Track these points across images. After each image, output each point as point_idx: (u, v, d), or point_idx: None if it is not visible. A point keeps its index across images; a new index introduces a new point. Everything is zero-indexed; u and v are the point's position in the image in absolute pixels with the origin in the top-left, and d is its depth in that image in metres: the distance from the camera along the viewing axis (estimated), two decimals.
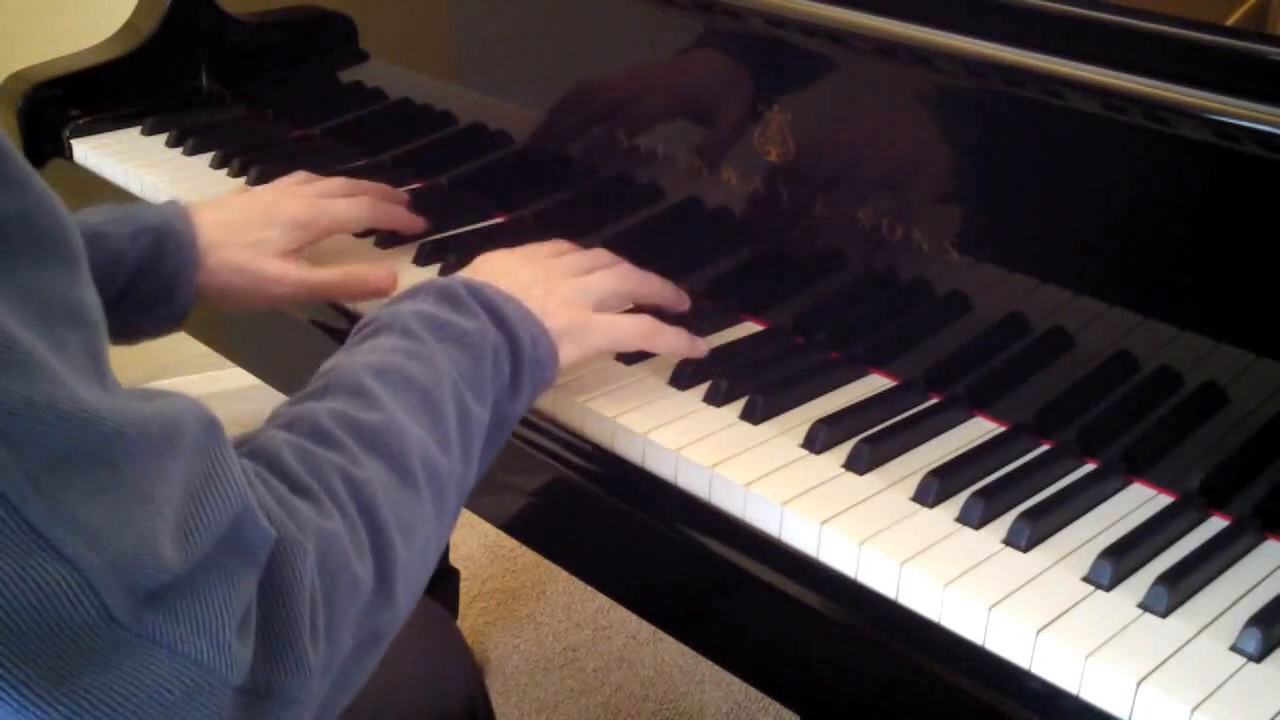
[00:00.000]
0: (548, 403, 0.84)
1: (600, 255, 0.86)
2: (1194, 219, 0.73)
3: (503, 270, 0.80)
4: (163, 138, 1.25)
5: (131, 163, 1.20)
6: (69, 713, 0.45)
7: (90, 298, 0.48)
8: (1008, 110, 0.77)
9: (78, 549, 0.43)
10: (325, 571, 0.55)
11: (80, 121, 1.26)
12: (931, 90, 0.80)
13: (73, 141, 1.24)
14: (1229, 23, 0.76)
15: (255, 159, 1.18)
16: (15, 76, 1.26)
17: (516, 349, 0.74)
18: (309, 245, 0.94)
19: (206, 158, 1.21)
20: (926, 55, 0.79)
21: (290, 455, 0.59)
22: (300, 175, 1.01)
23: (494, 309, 0.74)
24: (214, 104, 1.34)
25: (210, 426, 0.51)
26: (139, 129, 1.27)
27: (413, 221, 1.03)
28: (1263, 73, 0.68)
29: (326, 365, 0.69)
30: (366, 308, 0.94)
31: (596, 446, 0.82)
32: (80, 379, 0.45)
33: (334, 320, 0.98)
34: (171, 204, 0.90)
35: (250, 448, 0.60)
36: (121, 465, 0.45)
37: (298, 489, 0.58)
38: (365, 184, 1.02)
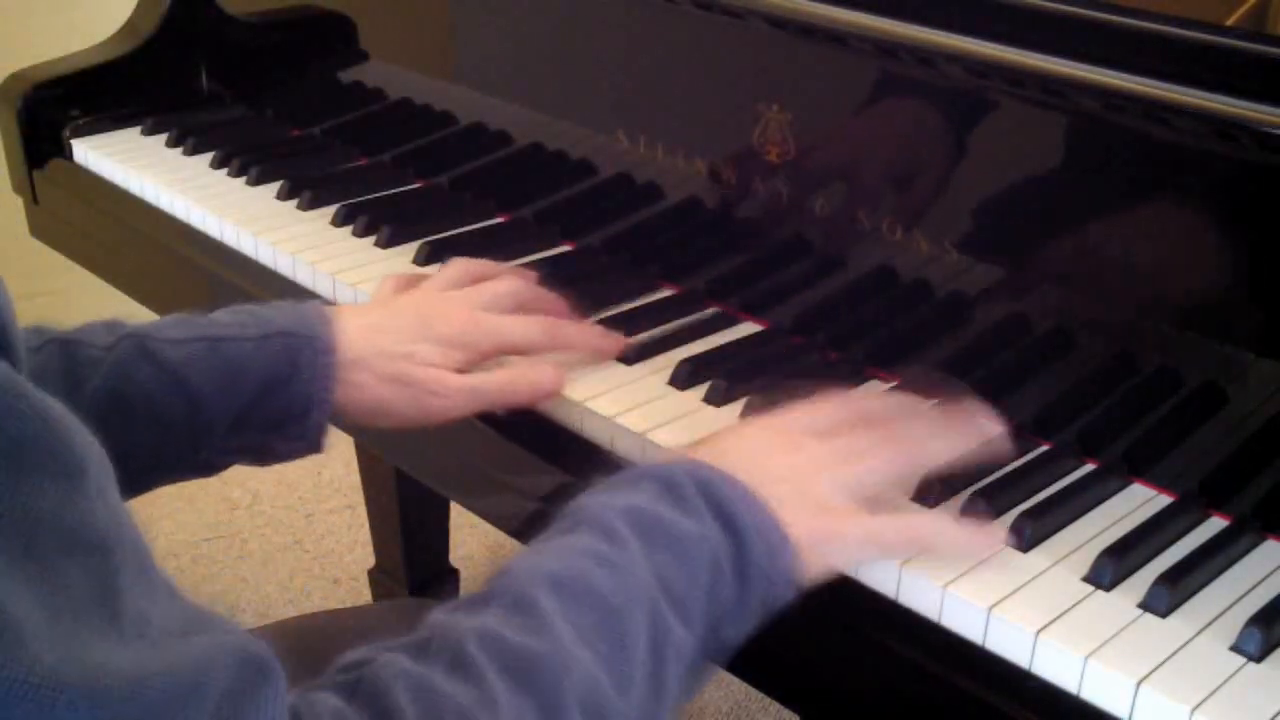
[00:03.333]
0: (548, 403, 0.84)
1: (874, 430, 0.71)
2: (1194, 219, 0.73)
3: (750, 453, 0.67)
4: (163, 138, 1.25)
5: (131, 163, 1.20)
6: None
7: (100, 516, 0.41)
8: (1008, 110, 0.77)
9: None
10: None
11: (80, 121, 1.26)
12: (931, 90, 0.80)
13: (73, 141, 1.25)
14: (1229, 23, 0.76)
15: (255, 159, 1.18)
16: (15, 76, 1.26)
17: (746, 562, 0.61)
18: (467, 365, 0.81)
19: (206, 158, 1.21)
20: (926, 55, 0.79)
21: (402, 692, 0.50)
22: (461, 268, 0.87)
23: (725, 511, 0.62)
24: (214, 104, 1.34)
25: (254, 672, 0.44)
26: (139, 129, 1.27)
27: (611, 346, 0.87)
28: (1263, 73, 0.68)
29: (509, 562, 0.59)
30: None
31: (596, 446, 0.82)
32: (70, 623, 0.39)
33: None
34: (313, 305, 0.79)
35: (360, 673, 0.51)
36: None
37: None
38: (539, 293, 0.87)
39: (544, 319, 0.85)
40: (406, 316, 0.81)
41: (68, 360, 0.73)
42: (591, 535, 0.60)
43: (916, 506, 0.72)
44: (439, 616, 0.56)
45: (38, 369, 0.73)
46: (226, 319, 0.77)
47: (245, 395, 0.74)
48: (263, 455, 0.78)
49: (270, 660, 0.45)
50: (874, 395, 0.75)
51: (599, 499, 0.62)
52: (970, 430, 0.73)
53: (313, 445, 0.78)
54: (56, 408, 0.41)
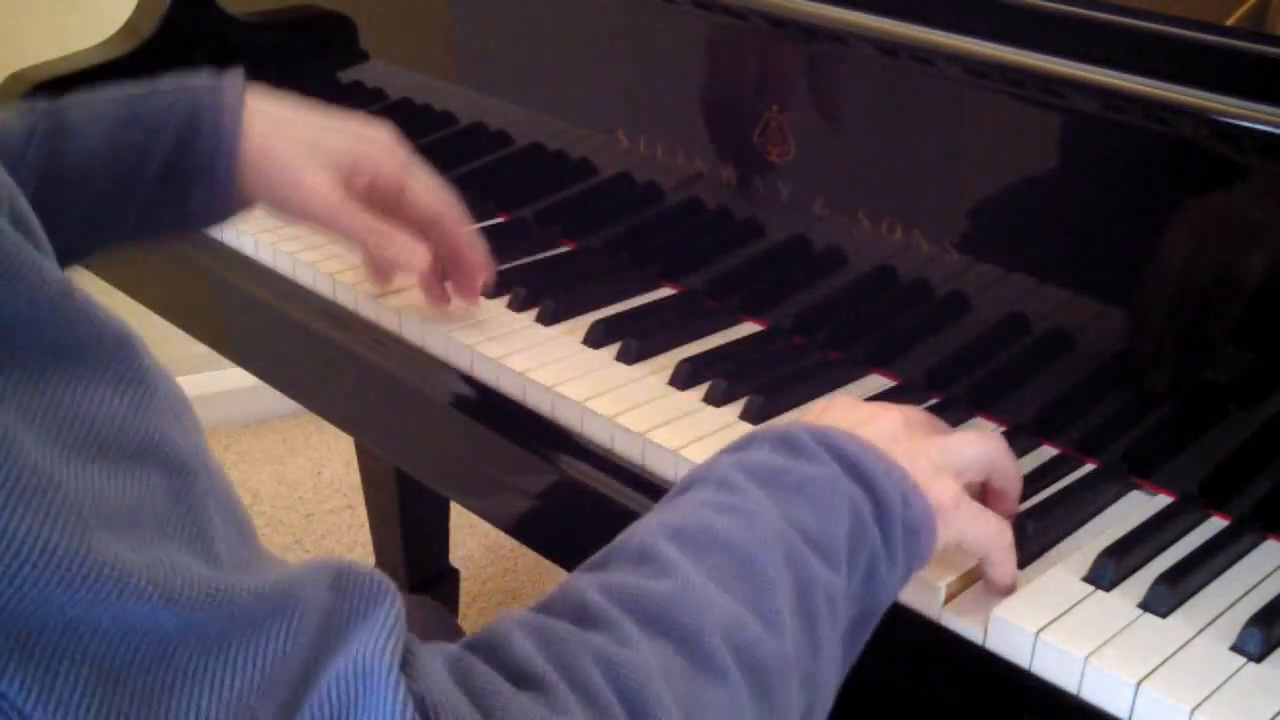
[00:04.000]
0: (547, 404, 0.84)
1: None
2: (1194, 219, 0.73)
3: (856, 417, 0.64)
4: None
5: None
6: None
7: (186, 435, 0.39)
8: (1008, 110, 0.77)
9: None
10: None
11: None
12: (931, 90, 0.80)
13: None
14: (1229, 23, 0.76)
15: None
16: (15, 76, 1.26)
17: (883, 507, 0.58)
18: (351, 176, 0.84)
19: None
20: (926, 55, 0.79)
21: (524, 639, 0.47)
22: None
23: (850, 460, 0.58)
24: None
25: (357, 590, 0.41)
26: None
27: (481, 260, 0.89)
28: (1263, 73, 0.68)
29: (621, 534, 0.55)
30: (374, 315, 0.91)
31: (596, 446, 0.82)
32: (157, 531, 0.37)
33: (333, 331, 0.98)
34: (208, 72, 0.82)
35: (477, 637, 0.48)
36: (179, 640, 0.36)
37: (521, 678, 0.46)
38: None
39: (450, 212, 0.87)
40: (313, 114, 0.86)
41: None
42: (707, 490, 0.57)
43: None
44: (554, 588, 0.52)
45: None
46: (137, 95, 0.80)
47: (159, 154, 0.77)
48: (182, 227, 0.82)
49: (382, 580, 0.42)
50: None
51: (710, 461, 0.60)
52: (1011, 460, 0.69)
53: (224, 208, 0.81)
54: (124, 322, 0.39)
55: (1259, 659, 0.63)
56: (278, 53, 1.31)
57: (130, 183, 0.78)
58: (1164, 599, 0.65)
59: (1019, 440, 0.79)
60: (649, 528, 0.55)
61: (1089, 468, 0.77)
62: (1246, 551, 0.71)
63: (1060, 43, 0.73)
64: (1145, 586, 0.67)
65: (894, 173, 0.84)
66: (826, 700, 0.56)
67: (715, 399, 0.83)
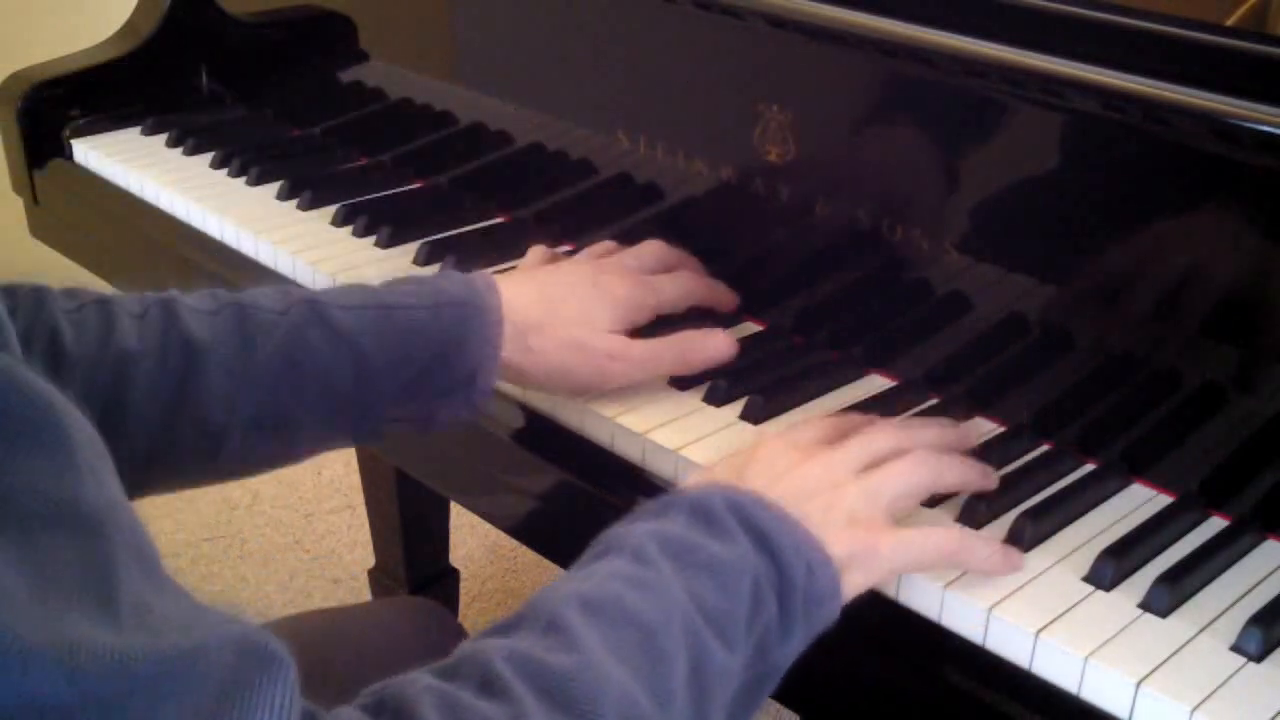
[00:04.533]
0: (546, 403, 0.84)
1: (888, 433, 0.71)
2: (1194, 219, 0.73)
3: (772, 470, 0.66)
4: (163, 138, 1.25)
5: (131, 163, 1.20)
6: None
7: (91, 496, 0.39)
8: (1008, 110, 0.77)
9: None
10: None
11: (80, 121, 1.26)
12: (931, 90, 0.80)
13: (73, 141, 1.25)
14: (1229, 23, 0.76)
15: (255, 159, 1.18)
16: (15, 76, 1.26)
17: (786, 582, 0.60)
18: (633, 327, 0.84)
19: (206, 158, 1.21)
20: (926, 55, 0.79)
21: (430, 708, 0.49)
22: (607, 245, 0.92)
23: (759, 532, 0.61)
24: (214, 104, 1.34)
25: (254, 663, 0.41)
26: (139, 129, 1.27)
27: (730, 298, 0.92)
28: (1263, 73, 0.68)
29: (537, 592, 0.58)
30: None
31: (596, 446, 0.82)
32: (60, 601, 0.37)
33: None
34: (481, 275, 0.79)
35: (383, 693, 0.50)
36: (81, 713, 0.36)
37: None
38: (677, 253, 0.91)
39: (688, 274, 0.89)
40: (579, 282, 0.83)
41: (244, 325, 0.74)
42: (621, 559, 0.59)
43: (935, 515, 0.72)
44: (465, 645, 0.54)
45: (216, 333, 0.73)
46: (398, 288, 0.78)
47: (416, 364, 0.75)
48: (425, 424, 0.78)
49: (278, 650, 0.43)
50: (872, 417, 0.74)
51: (626, 527, 0.62)
52: (958, 467, 0.71)
53: (474, 410, 0.78)
54: (42, 383, 0.39)
55: (1259, 659, 0.63)
56: (278, 53, 1.31)
57: (379, 386, 0.75)
58: (1164, 599, 0.65)
59: (1019, 440, 0.79)
60: (561, 595, 0.56)
61: (1089, 467, 0.77)
62: (1246, 551, 0.71)
63: (1060, 43, 0.73)
64: (1145, 586, 0.67)
65: (893, 173, 0.84)
66: None
67: (715, 399, 0.83)
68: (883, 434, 0.70)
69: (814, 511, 0.63)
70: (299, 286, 0.77)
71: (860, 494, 0.65)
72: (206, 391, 0.72)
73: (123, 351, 0.71)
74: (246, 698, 0.40)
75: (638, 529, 0.61)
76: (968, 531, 0.69)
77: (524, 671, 0.52)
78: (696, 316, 0.90)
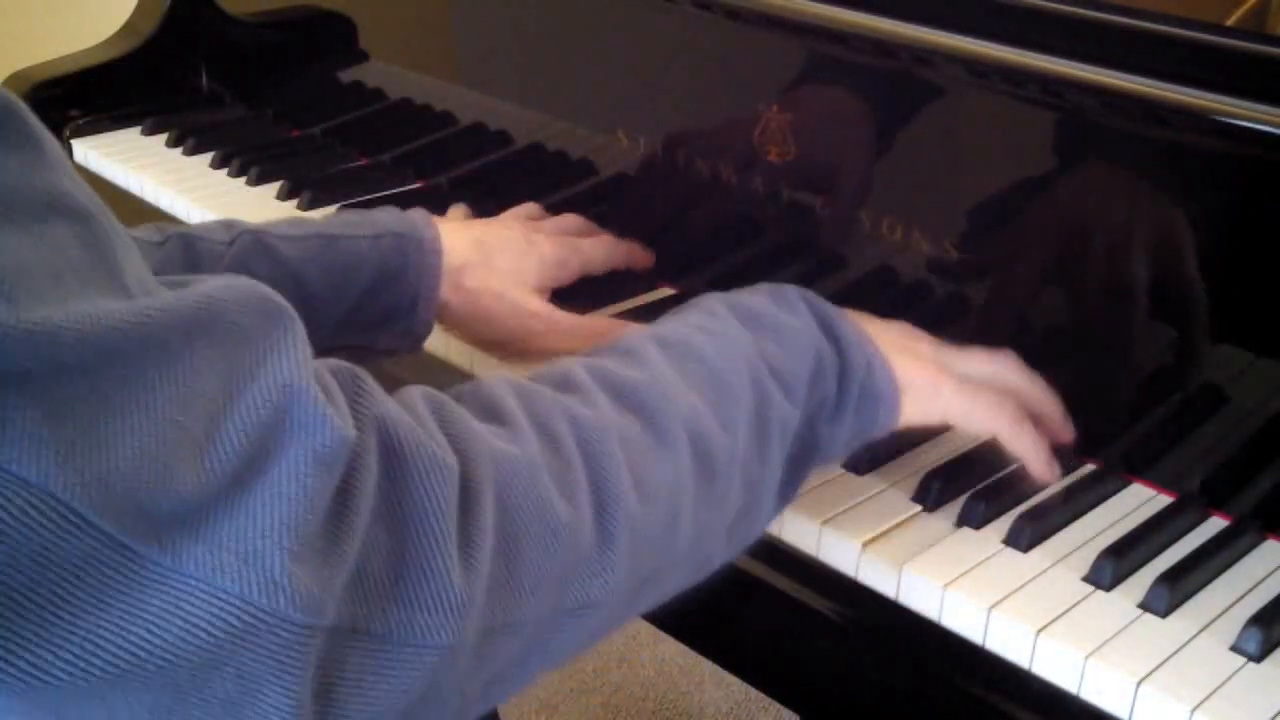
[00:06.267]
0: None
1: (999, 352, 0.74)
2: (1194, 219, 0.73)
3: (866, 319, 0.71)
4: (163, 138, 1.25)
5: (131, 163, 1.20)
6: (73, 661, 0.39)
7: (73, 184, 0.41)
8: (1008, 110, 0.77)
9: (42, 470, 0.37)
10: (506, 504, 0.48)
11: (80, 121, 1.26)
12: (931, 90, 0.80)
13: (73, 141, 1.25)
14: (1229, 23, 0.76)
15: (255, 159, 1.18)
16: (15, 76, 1.26)
17: (846, 367, 0.64)
18: (557, 286, 0.88)
19: (206, 158, 1.21)
20: (926, 55, 0.79)
21: (505, 389, 0.53)
22: (532, 208, 0.96)
23: (825, 318, 0.65)
24: (214, 104, 1.34)
25: (267, 310, 0.44)
26: (139, 129, 1.27)
27: (646, 257, 0.96)
28: (1263, 73, 0.68)
29: (615, 337, 0.62)
30: None
31: None
32: (75, 281, 0.39)
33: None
34: (418, 210, 0.82)
35: (462, 387, 0.54)
36: (107, 372, 0.39)
37: (490, 415, 0.51)
38: (593, 226, 0.96)
39: (609, 237, 0.94)
40: (511, 235, 0.86)
41: (189, 253, 0.75)
42: (697, 314, 0.64)
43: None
44: (547, 364, 0.58)
45: (162, 261, 0.74)
46: (338, 220, 0.80)
47: (356, 290, 0.77)
48: (365, 353, 0.79)
49: (286, 305, 0.45)
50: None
51: (703, 297, 0.67)
52: (1041, 391, 0.74)
53: (415, 342, 0.80)
54: (4, 91, 0.41)
55: (1259, 659, 0.63)
56: (278, 53, 1.31)
57: (320, 315, 0.77)
58: (1164, 599, 0.66)
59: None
60: (639, 332, 0.62)
61: (1089, 467, 0.77)
62: (1246, 551, 0.71)
63: (1060, 43, 0.73)
64: (1145, 586, 0.67)
65: (894, 173, 0.85)
66: (762, 511, 0.62)
67: None
68: (989, 363, 0.73)
69: (891, 342, 0.68)
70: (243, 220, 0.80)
71: (937, 352, 0.70)
72: None
73: None
74: (269, 346, 0.43)
75: (714, 296, 0.66)
76: (1025, 416, 0.71)
77: (600, 378, 0.56)
78: (616, 279, 0.93)
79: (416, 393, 0.51)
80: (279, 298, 0.45)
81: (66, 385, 0.38)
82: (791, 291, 0.67)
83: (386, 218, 0.80)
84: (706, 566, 0.60)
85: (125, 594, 0.39)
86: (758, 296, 0.66)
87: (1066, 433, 0.75)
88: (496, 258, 0.83)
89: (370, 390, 0.48)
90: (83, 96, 1.27)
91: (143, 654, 0.40)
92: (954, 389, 0.69)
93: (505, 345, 0.84)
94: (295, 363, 0.43)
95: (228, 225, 0.78)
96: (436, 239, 0.80)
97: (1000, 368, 0.73)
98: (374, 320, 0.78)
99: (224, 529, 0.40)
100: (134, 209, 1.17)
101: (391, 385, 0.49)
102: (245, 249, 0.76)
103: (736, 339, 0.62)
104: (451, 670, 0.47)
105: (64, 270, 0.39)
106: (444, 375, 0.89)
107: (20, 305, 0.37)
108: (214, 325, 0.42)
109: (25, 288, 0.37)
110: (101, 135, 1.26)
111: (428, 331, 0.80)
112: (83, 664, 0.39)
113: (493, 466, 0.48)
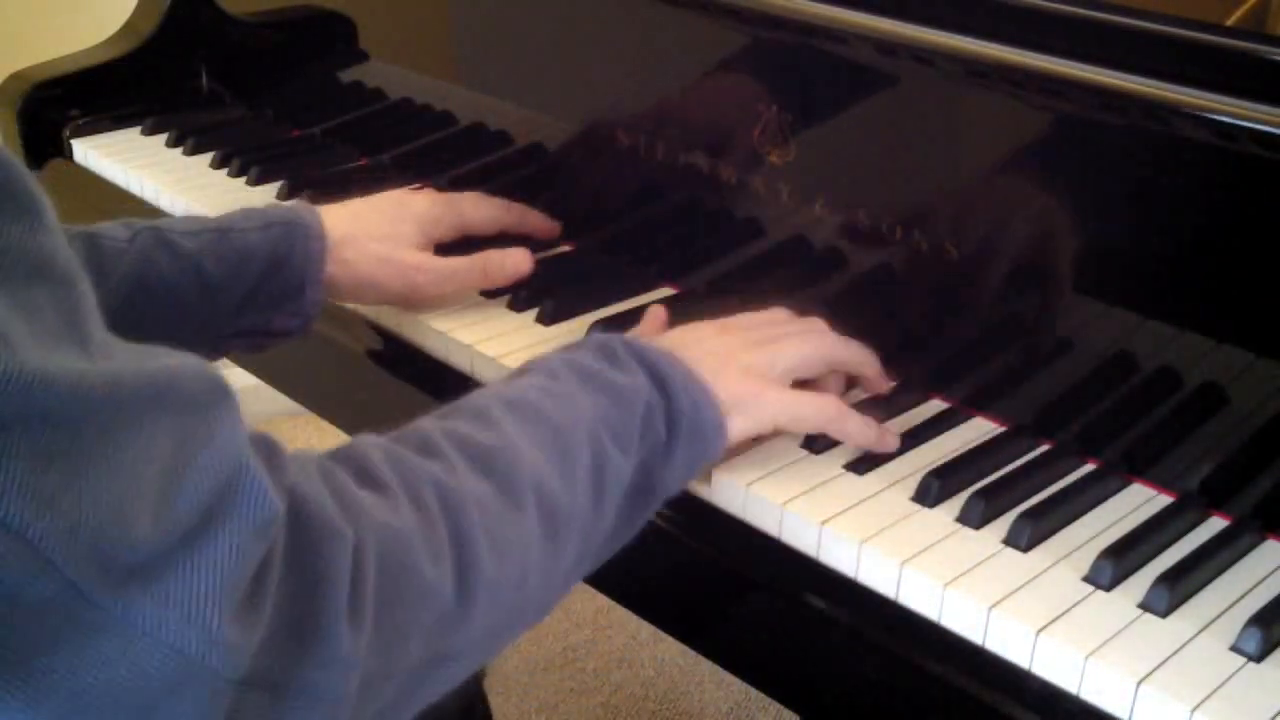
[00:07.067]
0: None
1: (810, 323, 0.81)
2: (1194, 219, 0.73)
3: (689, 340, 0.76)
4: (163, 138, 1.25)
5: (131, 163, 1.20)
6: (27, 698, 0.41)
7: (61, 251, 0.44)
8: (1007, 110, 0.77)
9: (24, 517, 0.39)
10: (386, 569, 0.53)
11: (80, 121, 1.26)
12: (931, 91, 0.80)
13: (73, 141, 1.25)
14: (1229, 23, 0.76)
15: (255, 159, 1.18)
16: (15, 76, 1.26)
17: (673, 412, 0.69)
18: (438, 241, 0.94)
19: (206, 158, 1.21)
20: (927, 55, 0.79)
21: (378, 456, 0.58)
22: (423, 187, 1.01)
23: (652, 367, 0.70)
24: (214, 104, 1.34)
25: (215, 387, 0.48)
26: (139, 129, 1.27)
27: (547, 224, 1.01)
28: (1263, 73, 0.68)
29: (466, 396, 0.67)
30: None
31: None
32: (50, 341, 0.42)
33: (337, 333, 0.98)
34: (298, 201, 0.90)
35: (338, 450, 0.58)
36: (84, 429, 0.42)
37: (370, 483, 0.56)
38: (495, 200, 1.01)
39: (499, 200, 0.99)
40: (386, 203, 0.93)
41: (92, 251, 0.80)
42: (536, 376, 0.69)
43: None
44: (407, 426, 0.63)
45: None
46: (231, 215, 0.86)
47: (250, 278, 0.83)
48: (262, 337, 0.86)
49: (227, 382, 0.49)
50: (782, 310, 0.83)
51: (542, 356, 0.71)
52: (854, 350, 0.81)
53: (305, 323, 0.87)
54: (11, 154, 0.43)
55: (1259, 659, 0.63)
56: (278, 53, 1.31)
57: (219, 300, 0.83)
58: (1164, 599, 0.66)
59: (1019, 440, 0.79)
60: (487, 395, 0.66)
61: (1089, 467, 0.77)
62: (1246, 551, 0.71)
63: (1060, 43, 0.73)
64: (1145, 586, 0.67)
65: (894, 173, 0.85)
66: (593, 556, 0.67)
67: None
68: (789, 323, 0.80)
69: (707, 366, 0.72)
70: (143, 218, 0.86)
71: (755, 358, 0.75)
72: None
73: None
74: (216, 417, 0.47)
75: (553, 356, 0.71)
76: (845, 406, 0.76)
77: (455, 442, 0.61)
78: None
79: (310, 460, 0.55)
80: (222, 375, 0.49)
81: (52, 436, 0.41)
82: (620, 346, 0.71)
83: (273, 210, 0.87)
84: (547, 610, 0.66)
85: (78, 640, 0.42)
86: (589, 354, 0.71)
87: (883, 383, 0.82)
88: (372, 225, 0.90)
89: (282, 459, 0.52)
90: (83, 96, 1.27)
91: (87, 697, 0.42)
92: (776, 397, 0.74)
93: (400, 303, 0.91)
94: (240, 437, 0.47)
95: (127, 224, 0.84)
96: (319, 224, 0.86)
97: (815, 346, 0.78)
98: (268, 303, 0.84)
99: (171, 586, 0.43)
100: (134, 209, 1.17)
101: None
102: (147, 245, 0.82)
103: (575, 399, 0.67)
104: None
105: (42, 333, 0.42)
106: (441, 370, 0.89)
107: (18, 353, 0.40)
108: (171, 395, 0.45)
109: (19, 341, 0.40)
110: (101, 135, 1.26)
111: (317, 311, 0.87)
112: (33, 704, 0.42)
113: (375, 535, 0.53)
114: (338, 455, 0.58)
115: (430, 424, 0.63)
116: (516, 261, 0.92)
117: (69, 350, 0.43)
